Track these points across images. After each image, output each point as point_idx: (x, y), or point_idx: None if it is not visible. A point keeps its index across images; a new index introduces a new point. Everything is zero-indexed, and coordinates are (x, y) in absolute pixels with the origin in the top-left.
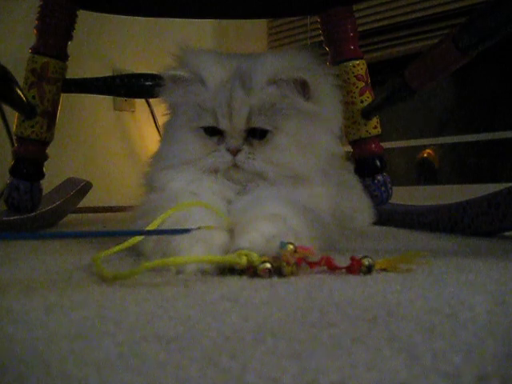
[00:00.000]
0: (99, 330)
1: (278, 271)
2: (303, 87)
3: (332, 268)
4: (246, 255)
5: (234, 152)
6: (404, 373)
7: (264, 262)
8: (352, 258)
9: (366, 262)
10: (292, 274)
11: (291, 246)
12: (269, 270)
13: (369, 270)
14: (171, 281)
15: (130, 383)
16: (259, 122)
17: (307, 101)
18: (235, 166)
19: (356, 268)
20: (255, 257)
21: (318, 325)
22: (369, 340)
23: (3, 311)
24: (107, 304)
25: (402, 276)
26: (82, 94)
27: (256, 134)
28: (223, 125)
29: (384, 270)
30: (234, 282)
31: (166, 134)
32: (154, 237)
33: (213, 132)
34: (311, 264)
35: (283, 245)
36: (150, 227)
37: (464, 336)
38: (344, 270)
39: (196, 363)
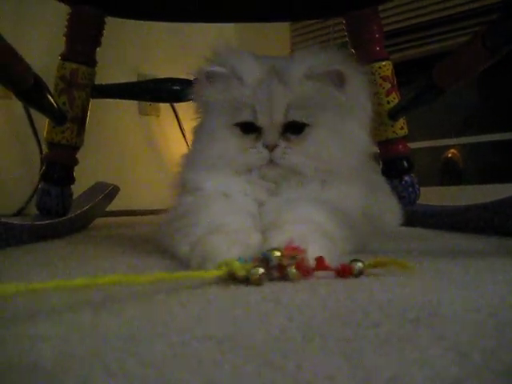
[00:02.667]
0: (150, 331)
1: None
2: (339, 80)
3: (324, 269)
4: (226, 264)
5: (271, 148)
6: (456, 370)
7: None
8: (342, 265)
9: (356, 265)
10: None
11: (277, 253)
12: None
13: (360, 273)
14: (210, 283)
15: (189, 382)
16: (297, 116)
17: (343, 94)
18: (271, 162)
19: (347, 271)
20: (236, 265)
21: (363, 325)
22: (415, 339)
23: (53, 312)
24: (152, 306)
25: (440, 276)
26: (107, 100)
27: (293, 130)
28: (261, 120)
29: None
30: (273, 284)
31: (200, 134)
32: (190, 240)
33: (249, 130)
34: (304, 271)
35: (268, 255)
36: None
37: (510, 334)
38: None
39: (251, 362)
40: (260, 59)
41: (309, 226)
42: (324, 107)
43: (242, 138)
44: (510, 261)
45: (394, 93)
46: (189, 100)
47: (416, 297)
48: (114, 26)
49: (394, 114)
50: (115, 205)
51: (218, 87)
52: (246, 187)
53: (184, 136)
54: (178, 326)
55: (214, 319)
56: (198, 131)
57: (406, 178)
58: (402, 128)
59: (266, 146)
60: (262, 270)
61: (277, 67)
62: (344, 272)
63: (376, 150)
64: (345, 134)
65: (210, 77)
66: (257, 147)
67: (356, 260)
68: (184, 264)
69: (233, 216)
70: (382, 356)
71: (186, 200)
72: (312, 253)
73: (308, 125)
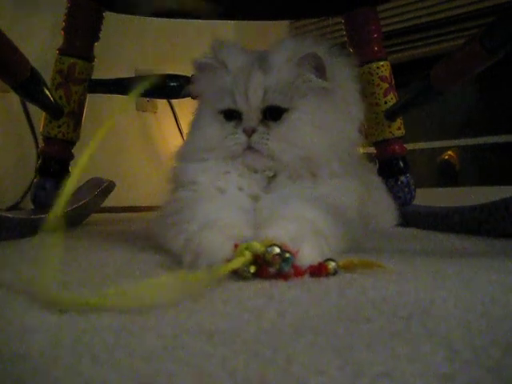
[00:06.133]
0: (141, 324)
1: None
2: (318, 64)
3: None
4: (246, 248)
5: (249, 133)
6: (446, 366)
7: (272, 246)
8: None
9: (330, 265)
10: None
11: (277, 249)
12: (278, 254)
13: (334, 272)
14: (204, 278)
15: (178, 374)
16: (275, 100)
17: (323, 79)
18: (250, 148)
19: (323, 270)
20: (257, 245)
21: (355, 321)
22: (407, 335)
23: (44, 304)
24: (145, 300)
25: (433, 276)
26: (104, 95)
27: (272, 116)
28: (240, 104)
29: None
30: (266, 280)
31: (191, 126)
32: (184, 236)
33: (231, 116)
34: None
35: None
36: None
37: (501, 332)
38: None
39: (241, 355)
40: (249, 52)
41: (301, 224)
42: (304, 93)
43: (224, 125)
44: (504, 261)
45: (391, 93)
46: (186, 96)
47: (409, 295)
48: (112, 21)
49: (391, 115)
50: (111, 200)
51: (207, 77)
52: (241, 182)
53: (181, 132)
54: (170, 319)
55: (206, 313)
56: (190, 124)
57: (402, 179)
58: (398, 128)
59: (245, 131)
60: (277, 250)
61: (260, 56)
62: (320, 271)
63: (371, 149)
64: (326, 122)
65: (201, 68)
66: (236, 133)
67: (330, 259)
68: (177, 260)
69: (226, 212)
70: (373, 351)
71: (180, 195)
72: (305, 254)
73: (286, 110)
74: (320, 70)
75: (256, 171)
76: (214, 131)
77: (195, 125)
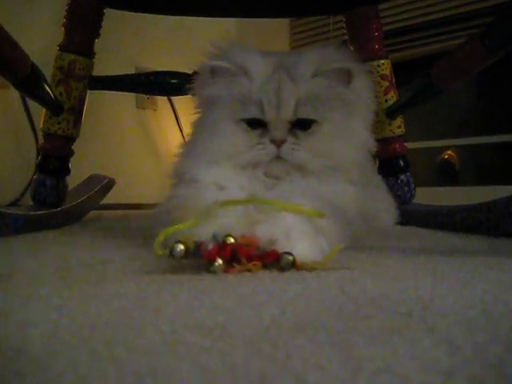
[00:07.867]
0: (140, 320)
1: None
2: (347, 77)
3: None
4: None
5: (279, 143)
6: (446, 362)
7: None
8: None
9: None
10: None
11: (231, 239)
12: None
13: (290, 266)
14: (202, 275)
15: (178, 369)
16: (306, 113)
17: (350, 91)
18: (278, 158)
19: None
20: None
21: (355, 317)
22: (407, 331)
23: (43, 299)
24: (143, 296)
25: (433, 273)
26: (104, 92)
27: (300, 125)
28: (269, 116)
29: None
30: (265, 276)
31: (201, 128)
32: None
33: (256, 124)
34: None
35: (216, 237)
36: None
37: (502, 329)
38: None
39: (240, 350)
40: (266, 55)
41: (300, 219)
42: (331, 104)
43: (248, 133)
44: (503, 260)
45: (392, 91)
46: (187, 94)
47: (409, 292)
48: (112, 18)
49: (391, 113)
50: (110, 198)
51: (223, 82)
52: (243, 181)
53: (181, 130)
54: (169, 315)
55: (206, 309)
56: (198, 125)
57: (402, 177)
58: (399, 127)
59: (273, 142)
60: (181, 247)
61: (285, 63)
62: (268, 258)
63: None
64: (350, 132)
65: (214, 71)
66: (263, 143)
67: (287, 253)
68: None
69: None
70: (373, 347)
71: (181, 192)
72: (304, 250)
73: (315, 121)
74: (349, 82)
75: (273, 176)
76: (237, 139)
77: (211, 131)
